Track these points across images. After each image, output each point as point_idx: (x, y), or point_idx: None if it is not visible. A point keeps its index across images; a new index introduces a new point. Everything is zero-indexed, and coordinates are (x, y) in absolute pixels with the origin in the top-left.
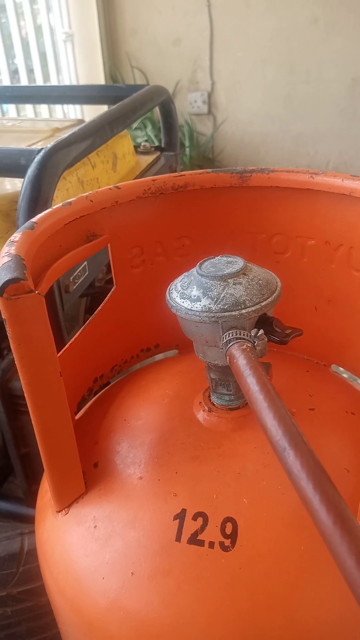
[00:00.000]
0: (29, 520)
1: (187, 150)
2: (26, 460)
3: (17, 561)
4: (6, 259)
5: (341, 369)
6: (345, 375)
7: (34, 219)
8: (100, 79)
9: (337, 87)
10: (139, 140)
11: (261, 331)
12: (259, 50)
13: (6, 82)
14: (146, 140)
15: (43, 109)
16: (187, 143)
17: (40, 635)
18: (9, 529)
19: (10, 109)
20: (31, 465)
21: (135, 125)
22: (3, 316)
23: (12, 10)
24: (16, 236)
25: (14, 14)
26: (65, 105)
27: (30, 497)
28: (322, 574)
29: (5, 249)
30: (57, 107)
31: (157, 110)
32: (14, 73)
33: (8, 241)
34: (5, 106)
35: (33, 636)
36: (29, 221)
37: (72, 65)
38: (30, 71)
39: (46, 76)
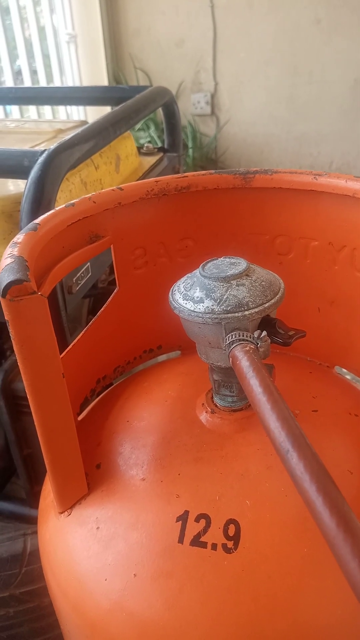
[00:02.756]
0: (32, 521)
1: (190, 151)
2: (29, 461)
3: (19, 562)
4: (9, 261)
5: (344, 370)
6: (348, 377)
7: (37, 220)
8: (103, 80)
9: (340, 88)
10: (142, 141)
11: (264, 333)
12: (262, 52)
13: (9, 83)
14: (149, 141)
15: (46, 110)
16: (190, 144)
17: (43, 636)
18: (12, 529)
19: (14, 110)
20: (34, 466)
21: (138, 126)
22: (6, 317)
23: (15, 12)
24: (19, 237)
25: (17, 15)
26: (68, 107)
27: (33, 498)
28: (325, 577)
29: (9, 250)
30: (61, 108)
31: (160, 111)
32: (17, 74)
33: (11, 242)
34: (8, 107)
35: (36, 637)
36: (32, 222)
37: (75, 67)
38: (33, 72)
39: (49, 77)
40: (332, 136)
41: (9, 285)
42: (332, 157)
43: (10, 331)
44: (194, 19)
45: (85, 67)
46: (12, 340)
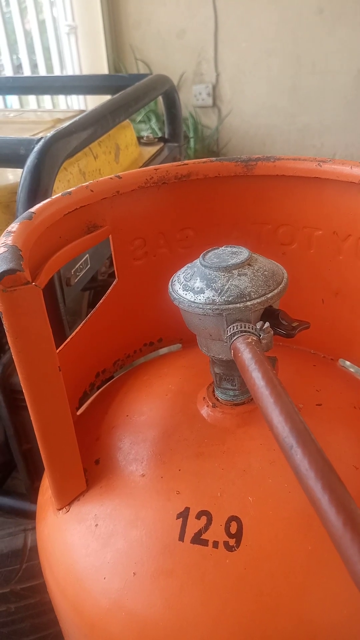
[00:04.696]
0: (32, 516)
1: (192, 142)
2: (29, 456)
3: (20, 557)
4: (2, 250)
5: (348, 363)
6: (352, 370)
7: (33, 209)
8: (104, 71)
9: (343, 79)
10: (142, 133)
11: (267, 324)
12: (264, 42)
13: None
14: (150, 133)
15: (46, 101)
16: (191, 135)
17: (44, 632)
18: (12, 525)
19: (14, 100)
20: (34, 461)
21: (139, 118)
22: (0, 309)
23: (15, 5)
24: (14, 226)
25: (17, 8)
26: (68, 97)
27: (33, 493)
28: (330, 575)
29: (2, 239)
30: (61, 100)
31: (161, 102)
32: (17, 68)
33: (5, 231)
34: (9, 100)
35: (36, 633)
36: (27, 211)
37: (75, 58)
38: (34, 65)
39: (50, 70)
40: (335, 127)
41: (2, 275)
42: (336, 149)
43: (5, 323)
44: (195, 9)
45: (85, 58)
46: (7, 333)
